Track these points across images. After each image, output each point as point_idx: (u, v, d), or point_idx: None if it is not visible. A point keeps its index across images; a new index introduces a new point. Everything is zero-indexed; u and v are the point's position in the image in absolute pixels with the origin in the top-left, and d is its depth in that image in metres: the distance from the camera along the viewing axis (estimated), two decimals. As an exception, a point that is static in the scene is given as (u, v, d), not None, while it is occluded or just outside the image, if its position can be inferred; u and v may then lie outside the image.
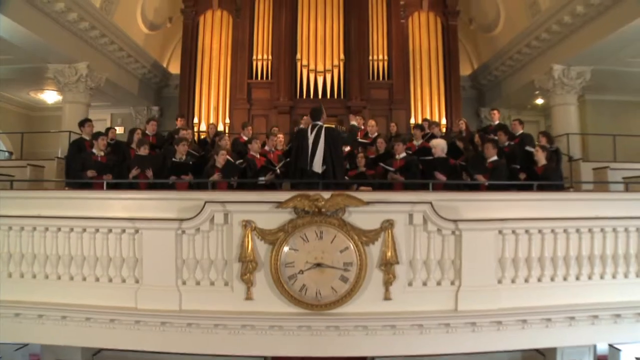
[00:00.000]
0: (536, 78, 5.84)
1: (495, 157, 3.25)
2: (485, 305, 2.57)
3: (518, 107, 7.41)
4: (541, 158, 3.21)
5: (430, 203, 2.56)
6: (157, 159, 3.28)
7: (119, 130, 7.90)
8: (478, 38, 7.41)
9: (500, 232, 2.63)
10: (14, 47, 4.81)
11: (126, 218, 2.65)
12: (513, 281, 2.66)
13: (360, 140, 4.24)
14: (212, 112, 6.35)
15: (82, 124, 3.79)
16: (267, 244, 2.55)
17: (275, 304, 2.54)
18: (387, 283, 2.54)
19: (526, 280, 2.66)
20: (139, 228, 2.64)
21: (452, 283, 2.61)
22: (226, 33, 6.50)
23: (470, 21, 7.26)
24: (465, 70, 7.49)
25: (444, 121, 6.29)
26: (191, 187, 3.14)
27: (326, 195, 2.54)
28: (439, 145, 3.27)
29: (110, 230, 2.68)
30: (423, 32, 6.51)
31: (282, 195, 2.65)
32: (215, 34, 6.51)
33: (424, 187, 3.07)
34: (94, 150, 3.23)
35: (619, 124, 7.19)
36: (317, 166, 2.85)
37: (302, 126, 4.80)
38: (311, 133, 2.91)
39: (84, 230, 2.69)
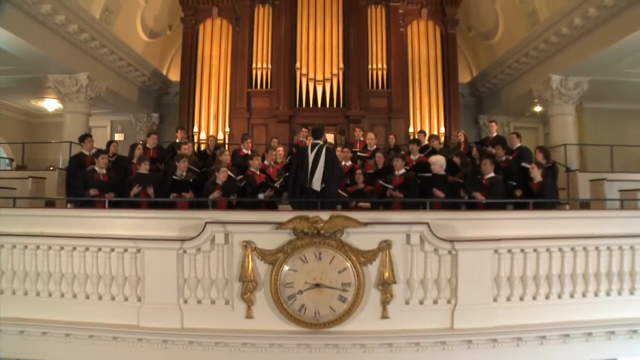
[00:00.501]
0: (534, 87, 5.87)
1: (492, 174, 3.29)
2: (481, 323, 2.62)
3: (516, 114, 7.45)
4: (537, 175, 3.25)
5: (427, 224, 2.60)
6: (158, 177, 3.31)
7: (119, 137, 8.02)
8: (477, 45, 7.43)
9: (496, 251, 2.68)
10: (15, 58, 4.84)
11: (128, 238, 2.70)
12: (508, 299, 2.71)
13: (359, 153, 4.28)
14: (212, 121, 6.37)
15: (82, 139, 3.83)
16: (267, 264, 2.60)
17: (275, 322, 2.59)
18: (385, 302, 2.59)
19: (521, 299, 2.71)
20: (141, 248, 2.68)
21: (449, 301, 2.66)
22: (226, 41, 6.52)
23: (469, 29, 7.28)
24: (464, 77, 7.52)
25: (442, 129, 6.32)
26: (192, 205, 3.18)
27: (325, 216, 2.58)
28: (438, 162, 3.30)
29: (112, 250, 2.72)
30: (422, 40, 6.54)
31: (282, 216, 2.70)
32: (215, 42, 6.53)
33: (422, 205, 3.12)
34: (96, 168, 3.27)
35: (617, 132, 7.22)
36: (317, 184, 2.90)
37: (301, 138, 4.88)
38: (311, 151, 2.95)
39: (87, 249, 2.74)
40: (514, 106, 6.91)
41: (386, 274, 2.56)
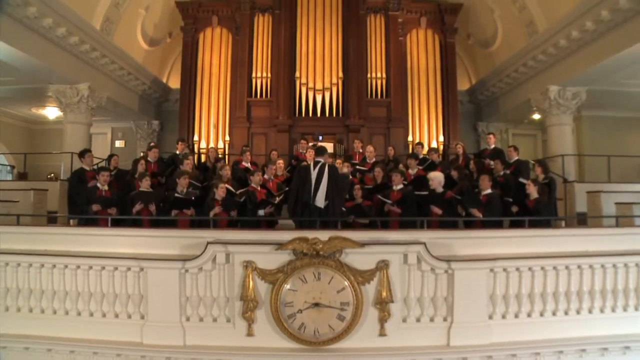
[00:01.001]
0: (532, 97, 5.90)
1: (489, 190, 3.34)
2: (476, 341, 2.68)
3: (515, 121, 7.49)
4: (533, 192, 3.30)
5: (424, 244, 2.65)
6: (160, 194, 3.37)
7: (120, 144, 8.06)
8: (476, 53, 7.45)
9: (491, 270, 2.73)
10: (16, 70, 4.87)
11: (132, 257, 2.74)
12: (504, 317, 2.77)
13: (358, 167, 4.32)
14: (212, 130, 6.40)
15: (82, 154, 3.87)
16: (267, 284, 2.66)
17: (275, 340, 2.65)
18: (382, 320, 2.64)
19: (516, 316, 2.77)
20: (144, 267, 2.73)
21: (445, 319, 2.72)
22: (225, 50, 6.53)
23: (468, 36, 7.29)
24: (463, 84, 7.54)
25: (441, 138, 6.35)
26: (193, 223, 3.23)
27: (324, 235, 2.64)
28: (436, 178, 3.35)
29: (116, 268, 2.77)
30: (421, 49, 6.55)
31: (282, 235, 2.76)
32: (215, 51, 6.54)
33: (420, 222, 3.17)
34: (98, 185, 3.31)
35: (615, 139, 7.28)
36: (320, 201, 2.96)
37: (301, 150, 4.92)
38: (314, 169, 3.00)
39: (90, 267, 2.79)
40: (513, 114, 6.95)
41: (384, 294, 2.61)
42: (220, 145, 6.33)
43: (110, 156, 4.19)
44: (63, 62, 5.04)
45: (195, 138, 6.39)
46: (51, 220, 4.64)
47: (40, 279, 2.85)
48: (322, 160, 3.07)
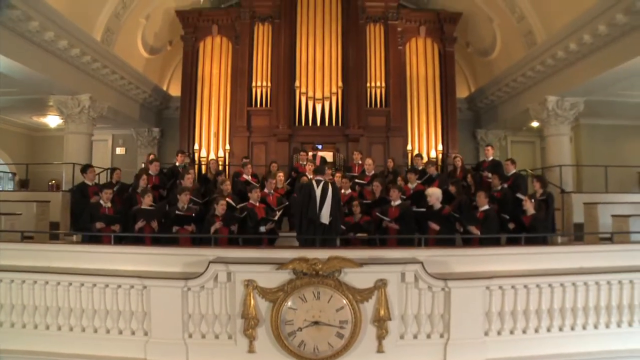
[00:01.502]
0: (531, 107, 5.94)
1: (486, 207, 3.39)
2: (472, 357, 2.74)
3: (514, 128, 7.53)
4: (530, 208, 3.35)
5: (421, 263, 2.71)
6: (161, 211, 3.43)
7: (121, 151, 8.10)
8: (475, 61, 7.48)
9: (487, 288, 2.79)
10: (17, 81, 4.91)
11: (135, 275, 2.79)
12: (499, 333, 2.82)
13: (357, 180, 4.37)
14: (212, 139, 6.44)
15: (84, 170, 3.92)
16: (268, 302, 2.71)
17: (276, 357, 2.70)
18: (380, 337, 2.70)
19: (512, 332, 2.83)
20: (147, 285, 2.79)
21: (441, 336, 2.77)
22: (226, 59, 6.55)
23: (467, 44, 7.32)
24: (462, 92, 7.58)
25: (440, 147, 6.39)
26: (194, 239, 3.28)
27: (324, 254, 2.69)
28: (434, 195, 3.40)
29: (119, 286, 2.83)
30: (420, 58, 6.57)
31: (283, 253, 2.81)
32: (215, 60, 6.57)
33: (417, 239, 3.23)
34: (101, 202, 3.36)
35: (613, 147, 7.34)
36: (325, 218, 3.04)
37: (301, 162, 4.96)
38: (317, 187, 3.06)
39: (94, 285, 2.85)
40: (511, 122, 7.00)
41: (382, 312, 2.67)
42: (221, 154, 6.37)
43: (113, 170, 4.23)
44: (64, 73, 5.08)
45: (196, 147, 6.43)
46: (54, 233, 4.72)
47: (44, 296, 2.90)
48: (322, 178, 3.12)
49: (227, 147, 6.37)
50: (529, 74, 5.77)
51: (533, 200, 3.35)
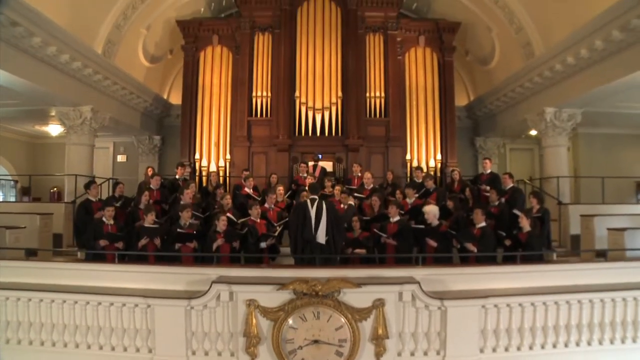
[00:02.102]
0: (529, 117, 5.99)
1: (483, 223, 3.45)
2: (468, 373, 2.81)
3: (512, 136, 7.58)
4: (526, 225, 3.42)
5: (418, 283, 2.78)
6: (164, 229, 3.50)
7: (122, 158, 8.16)
8: (474, 69, 7.52)
9: (483, 306, 2.86)
10: (20, 94, 4.96)
11: (139, 295, 2.86)
12: (494, 350, 2.89)
13: (356, 194, 4.43)
14: (213, 148, 6.48)
15: (87, 186, 3.99)
16: (269, 321, 2.78)
17: (277, 374, 2.78)
18: (378, 355, 2.77)
19: (506, 349, 2.90)
20: (151, 304, 2.86)
21: (438, 353, 2.84)
22: (226, 69, 6.58)
23: (466, 52, 7.35)
24: (461, 100, 7.61)
25: (439, 157, 6.43)
26: (197, 256, 3.35)
27: (323, 274, 2.77)
28: (431, 212, 3.46)
29: (124, 304, 2.90)
30: (419, 67, 6.60)
31: (283, 272, 2.90)
32: (216, 70, 6.60)
33: (415, 257, 3.30)
34: (104, 219, 3.43)
35: (610, 155, 7.41)
36: (321, 237, 3.09)
37: (301, 174, 5.01)
38: (312, 206, 3.11)
39: (99, 304, 2.92)
40: (510, 130, 7.04)
41: (380, 330, 2.74)
42: (222, 163, 6.41)
43: (116, 184, 4.29)
44: (66, 86, 5.13)
45: (197, 156, 6.47)
46: (57, 245, 4.79)
47: (50, 313, 2.97)
48: (317, 197, 3.18)
49: (228, 156, 6.42)
50: (527, 85, 5.82)
51: (529, 218, 3.40)
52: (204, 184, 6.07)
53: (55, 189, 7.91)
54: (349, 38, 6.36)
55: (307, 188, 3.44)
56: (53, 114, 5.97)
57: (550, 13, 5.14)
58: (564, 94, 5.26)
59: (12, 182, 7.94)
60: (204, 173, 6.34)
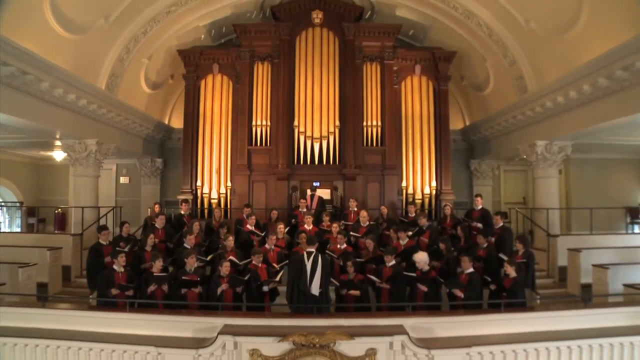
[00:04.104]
0: (521, 148, 6.17)
1: (471, 270, 3.67)
2: (454, 414, 3.05)
3: (506, 158, 7.76)
4: (511, 272, 3.64)
5: (407, 334, 3.00)
6: (171, 276, 3.72)
7: (124, 180, 8.33)
8: (470, 93, 7.65)
9: (468, 354, 3.09)
10: (27, 130, 5.13)
11: (149, 342, 3.07)
12: (480, 394, 3.13)
13: (352, 233, 4.63)
14: (214, 175, 6.64)
15: (99, 230, 4.20)
16: (271, 369, 3.01)
17: (278, 416, 3.01)
18: (372, 399, 3.01)
19: (490, 392, 3.14)
20: (161, 352, 3.08)
21: (426, 396, 3.08)
22: (226, 97, 6.71)
23: (462, 78, 7.49)
24: (457, 122, 7.77)
25: (434, 184, 6.62)
26: (201, 300, 3.57)
27: (319, 322, 3.00)
28: (422, 260, 3.70)
29: (136, 352, 3.12)
30: (415, 96, 6.73)
31: (284, 322, 3.12)
32: (216, 98, 6.73)
33: (409, 301, 3.56)
34: (115, 267, 3.64)
35: (601, 177, 7.62)
36: (315, 289, 3.32)
37: (301, 209, 5.21)
38: (308, 260, 3.33)
39: (113, 351, 3.14)
40: (504, 154, 7.22)
41: (372, 378, 2.97)
42: (222, 190, 6.58)
43: (122, 224, 4.49)
44: (72, 122, 5.29)
45: (199, 183, 6.65)
46: (65, 276, 5.00)
47: (68, 358, 3.19)
48: (313, 250, 3.40)
49: (229, 184, 6.58)
50: (520, 117, 5.99)
51: (513, 265, 3.62)
52: (205, 209, 6.24)
53: (59, 210, 8.09)
54: (347, 67, 6.48)
55: (305, 241, 3.65)
56: (58, 143, 6.13)
57: (542, 51, 5.27)
58: (554, 128, 5.44)
59: (17, 204, 8.11)
60: (205, 200, 6.50)
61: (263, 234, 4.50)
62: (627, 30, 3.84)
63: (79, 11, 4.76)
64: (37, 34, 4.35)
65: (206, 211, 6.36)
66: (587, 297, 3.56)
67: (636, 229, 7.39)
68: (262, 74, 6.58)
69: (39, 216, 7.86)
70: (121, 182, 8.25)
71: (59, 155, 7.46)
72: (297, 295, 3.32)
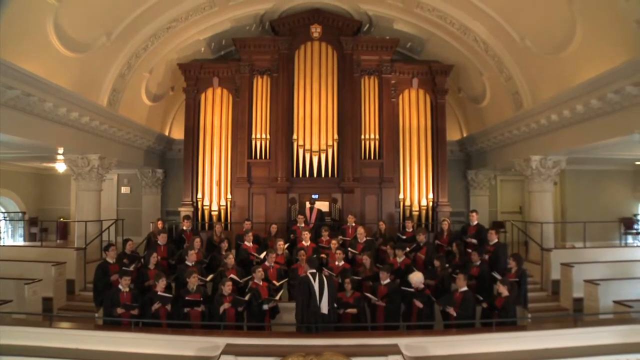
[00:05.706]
0: (516, 162, 6.28)
1: (465, 288, 3.79)
2: None
3: (503, 169, 7.87)
4: (503, 291, 3.75)
5: (402, 354, 3.11)
6: (174, 296, 3.83)
7: (125, 190, 8.42)
8: (467, 105, 7.73)
9: (460, 373, 3.21)
10: (30, 147, 5.22)
11: (153, 363, 3.19)
12: (472, 412, 3.25)
13: (350, 249, 4.74)
14: (214, 187, 6.73)
15: (106, 249, 4.31)
16: (270, 388, 3.13)
17: None
18: (368, 417, 3.13)
19: (482, 410, 3.26)
20: (165, 372, 3.20)
21: (419, 413, 3.20)
22: (226, 111, 6.78)
23: (459, 90, 7.58)
24: (454, 133, 7.87)
25: (430, 196, 6.72)
26: (204, 318, 3.68)
27: (319, 341, 3.11)
28: (417, 281, 3.82)
29: (140, 372, 3.24)
30: (413, 109, 6.81)
31: (284, 341, 3.23)
32: (217, 111, 6.80)
33: (404, 317, 3.66)
34: (120, 287, 3.75)
35: (596, 187, 7.74)
36: (324, 308, 3.46)
37: (299, 224, 5.31)
38: (314, 281, 3.47)
39: (119, 371, 3.26)
40: (500, 165, 7.32)
41: (369, 397, 3.09)
42: (223, 203, 6.66)
43: (126, 241, 4.59)
44: (75, 139, 5.38)
45: (199, 195, 6.74)
46: (70, 289, 5.11)
47: (74, 378, 3.30)
48: (315, 271, 3.52)
49: (229, 196, 6.68)
50: (515, 132, 6.10)
51: (506, 284, 3.73)
52: (206, 222, 6.34)
53: (61, 219, 8.18)
54: (345, 81, 6.56)
55: (305, 262, 3.77)
56: (61, 157, 6.22)
57: (537, 69, 5.36)
58: (549, 144, 5.54)
59: (20, 214, 8.20)
60: (205, 212, 6.59)
61: (262, 256, 4.55)
62: (621, 52, 3.94)
63: (81, 30, 4.84)
64: (40, 54, 4.43)
65: (207, 225, 6.45)
66: (577, 316, 3.67)
67: (630, 239, 7.52)
68: (261, 88, 6.65)
69: (41, 225, 7.97)
70: (122, 192, 8.35)
71: (61, 167, 7.55)
72: (307, 316, 3.44)
